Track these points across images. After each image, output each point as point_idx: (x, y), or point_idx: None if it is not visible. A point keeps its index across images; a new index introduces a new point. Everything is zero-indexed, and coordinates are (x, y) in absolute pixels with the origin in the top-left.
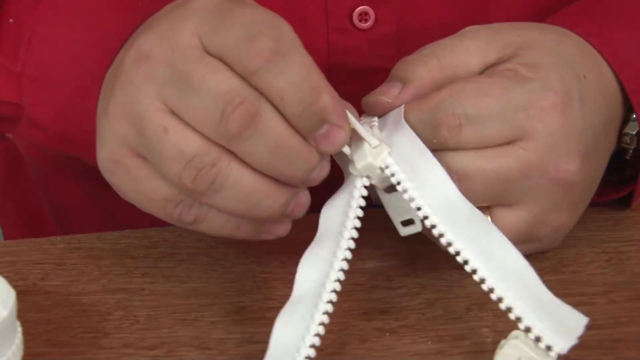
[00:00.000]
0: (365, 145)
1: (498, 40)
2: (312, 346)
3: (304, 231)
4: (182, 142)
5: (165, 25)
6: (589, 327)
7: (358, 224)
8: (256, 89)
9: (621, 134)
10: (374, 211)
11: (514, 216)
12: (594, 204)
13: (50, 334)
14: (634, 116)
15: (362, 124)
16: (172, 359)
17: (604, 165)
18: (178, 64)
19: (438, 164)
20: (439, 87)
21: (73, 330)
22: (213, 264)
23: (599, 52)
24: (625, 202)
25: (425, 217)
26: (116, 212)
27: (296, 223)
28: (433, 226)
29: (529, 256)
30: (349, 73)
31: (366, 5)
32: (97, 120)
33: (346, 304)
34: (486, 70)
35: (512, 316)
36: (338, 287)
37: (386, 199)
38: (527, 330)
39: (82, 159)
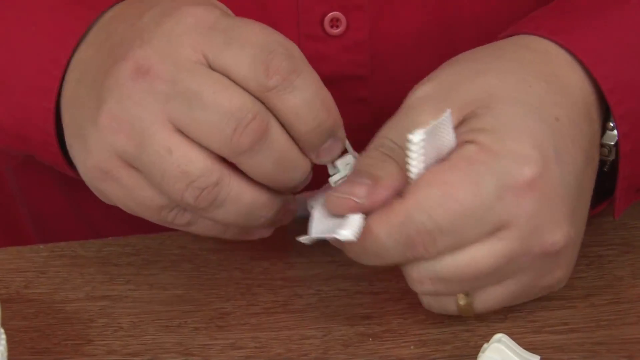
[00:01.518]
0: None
1: (457, 101)
2: None
3: (287, 236)
4: (186, 162)
5: (160, 41)
6: (570, 331)
7: None
8: (266, 105)
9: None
10: None
11: (500, 290)
12: None
13: (34, 342)
14: (612, 125)
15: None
16: None
17: (590, 194)
18: (183, 80)
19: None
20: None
21: (56, 337)
22: (196, 270)
23: (569, 50)
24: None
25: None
26: (94, 220)
27: (278, 230)
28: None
29: None
30: (322, 80)
31: (338, 11)
32: (80, 127)
33: (329, 309)
34: None
35: None
36: None
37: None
38: None
39: (39, 158)
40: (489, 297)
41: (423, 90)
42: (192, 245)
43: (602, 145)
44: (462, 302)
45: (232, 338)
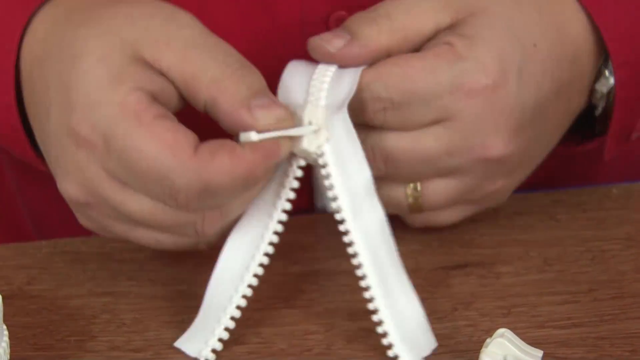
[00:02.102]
0: (305, 132)
1: (454, 4)
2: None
3: (288, 233)
4: (179, 242)
5: (72, 165)
6: (573, 325)
7: (288, 206)
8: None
9: (592, 90)
10: None
11: (444, 184)
12: (576, 203)
13: (37, 338)
14: (607, 73)
15: (313, 79)
16: None
17: (556, 124)
18: (123, 209)
19: (364, 158)
20: (384, 50)
21: (59, 333)
22: (198, 267)
23: (592, 17)
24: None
25: (339, 209)
26: None
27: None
28: (341, 222)
29: (511, 262)
30: None
31: (342, 10)
32: (45, 148)
33: (332, 304)
34: (437, 34)
35: (375, 318)
36: (260, 271)
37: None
38: (383, 336)
39: (12, 153)
40: (435, 190)
41: None
42: None
43: (594, 90)
44: (409, 191)
45: (235, 333)
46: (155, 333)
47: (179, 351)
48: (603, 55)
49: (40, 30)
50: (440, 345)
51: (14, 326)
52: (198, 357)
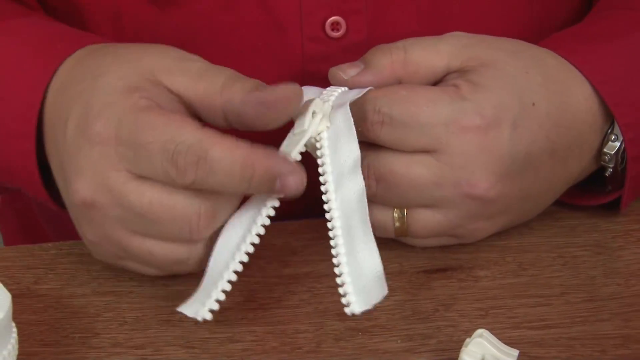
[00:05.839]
0: (307, 116)
1: (468, 52)
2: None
3: (280, 237)
4: (170, 253)
5: (88, 172)
6: (546, 327)
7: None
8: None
9: (601, 153)
10: None
11: (429, 215)
12: (548, 212)
13: (43, 335)
14: (613, 137)
15: (322, 94)
16: (158, 357)
17: (550, 183)
18: (123, 202)
19: (356, 144)
20: (394, 80)
21: (65, 330)
22: None
23: (580, 69)
24: (615, 207)
25: (325, 182)
26: None
27: (273, 230)
28: (325, 193)
29: (491, 262)
30: (323, 79)
31: (338, 15)
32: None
33: (322, 305)
34: (447, 75)
35: (336, 271)
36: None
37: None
38: (340, 286)
39: (25, 192)
40: (419, 219)
41: (458, 34)
42: None
43: (603, 153)
44: (397, 215)
45: (230, 332)
46: (155, 331)
47: (177, 348)
48: (609, 120)
49: (63, 72)
50: (422, 345)
51: (22, 323)
52: (196, 316)
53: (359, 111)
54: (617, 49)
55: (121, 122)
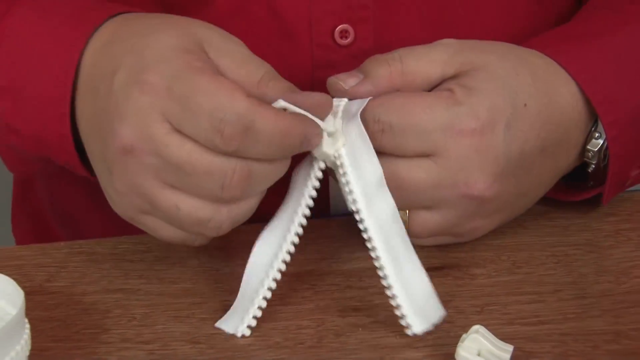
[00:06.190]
0: (324, 134)
1: (460, 58)
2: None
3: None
4: (195, 210)
5: (132, 118)
6: (540, 323)
7: (311, 203)
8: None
9: (584, 150)
10: (350, 219)
11: (428, 216)
12: (542, 212)
13: (55, 331)
14: (597, 135)
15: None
16: (166, 352)
17: (540, 180)
18: (162, 153)
19: (376, 158)
20: (395, 89)
21: (75, 326)
22: (202, 266)
23: (565, 69)
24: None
25: (354, 202)
26: (116, 216)
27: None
28: (357, 212)
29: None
30: None
31: (346, 23)
32: (97, 164)
33: (323, 302)
34: (442, 81)
35: (388, 292)
36: (283, 267)
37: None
38: (397, 308)
39: (55, 160)
40: (419, 220)
41: (448, 41)
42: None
43: (587, 150)
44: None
45: None
46: (163, 327)
47: (184, 343)
48: (593, 118)
49: (105, 33)
50: (420, 340)
51: (35, 320)
52: (235, 333)
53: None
54: (601, 49)
55: (175, 77)
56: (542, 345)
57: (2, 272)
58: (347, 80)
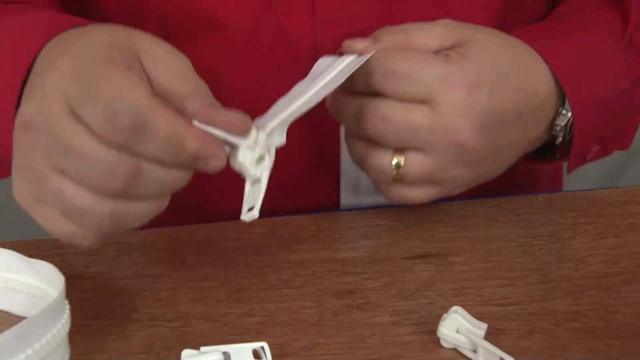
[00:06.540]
0: (242, 146)
1: (457, 33)
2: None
3: (288, 229)
4: (79, 197)
5: (38, 96)
6: (510, 304)
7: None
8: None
9: (553, 125)
10: (346, 214)
11: (420, 158)
12: (511, 208)
13: (92, 310)
14: (564, 112)
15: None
16: (187, 329)
17: (513, 142)
18: (56, 133)
19: (322, 94)
20: None
21: (109, 306)
22: (218, 255)
23: (541, 55)
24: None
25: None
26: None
27: (282, 222)
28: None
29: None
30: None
31: (351, 37)
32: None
33: (322, 285)
34: (439, 51)
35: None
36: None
37: (247, 189)
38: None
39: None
40: (414, 162)
41: (446, 21)
42: (215, 236)
43: (555, 125)
44: (394, 162)
45: (246, 308)
46: (186, 307)
47: (202, 321)
48: (561, 98)
49: (51, 46)
50: (406, 319)
51: (74, 300)
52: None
53: (365, 70)
54: (571, 41)
55: (86, 63)
56: (512, 324)
57: (48, 260)
58: (359, 42)
